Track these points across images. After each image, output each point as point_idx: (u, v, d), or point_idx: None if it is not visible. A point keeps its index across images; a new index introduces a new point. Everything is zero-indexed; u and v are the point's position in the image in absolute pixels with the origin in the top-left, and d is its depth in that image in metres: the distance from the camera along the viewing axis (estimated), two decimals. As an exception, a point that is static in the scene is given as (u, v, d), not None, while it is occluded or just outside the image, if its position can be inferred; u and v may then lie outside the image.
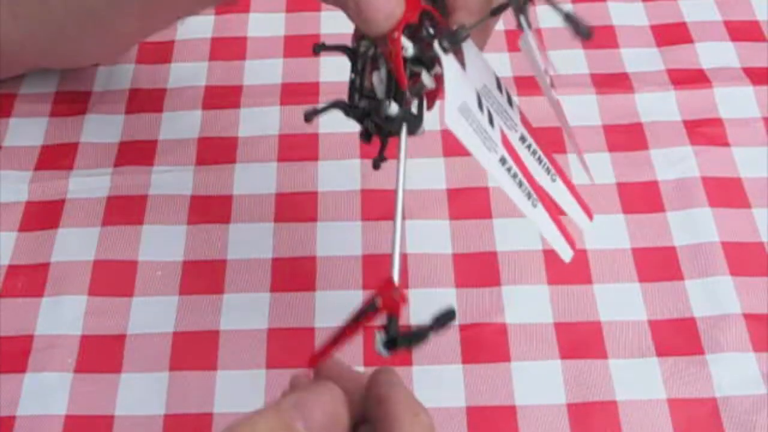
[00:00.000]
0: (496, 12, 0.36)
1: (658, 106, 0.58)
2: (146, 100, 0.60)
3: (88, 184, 0.55)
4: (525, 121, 0.39)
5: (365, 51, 0.38)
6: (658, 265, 0.51)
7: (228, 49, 0.63)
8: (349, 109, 0.38)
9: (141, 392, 0.47)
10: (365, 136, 0.38)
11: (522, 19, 0.35)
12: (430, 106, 0.38)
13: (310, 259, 0.52)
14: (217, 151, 0.57)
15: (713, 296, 0.50)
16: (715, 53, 0.61)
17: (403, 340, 0.32)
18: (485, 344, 0.48)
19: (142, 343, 0.49)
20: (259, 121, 0.58)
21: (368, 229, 0.53)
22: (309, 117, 0.38)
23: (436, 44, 0.35)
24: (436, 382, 0.47)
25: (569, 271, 0.51)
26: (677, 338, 0.48)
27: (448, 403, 0.46)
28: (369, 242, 0.52)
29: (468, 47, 0.37)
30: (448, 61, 0.35)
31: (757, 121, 0.58)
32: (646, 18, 0.64)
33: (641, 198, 0.54)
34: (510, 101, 0.39)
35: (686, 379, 0.47)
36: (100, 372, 0.48)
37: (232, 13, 0.65)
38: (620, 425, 0.45)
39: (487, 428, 0.46)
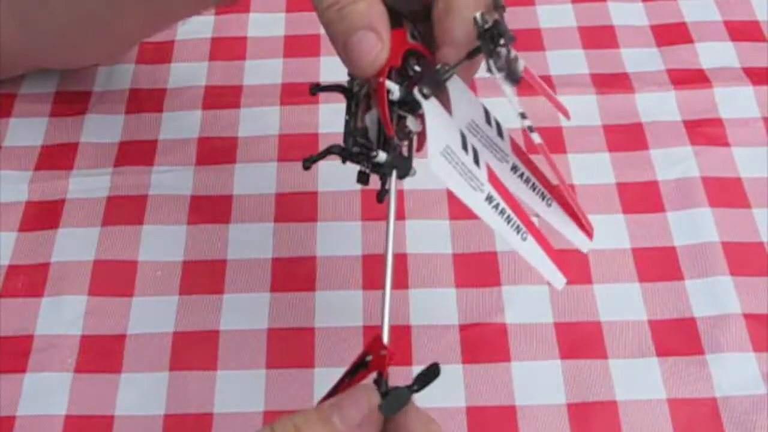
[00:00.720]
0: (471, 56, 0.36)
1: (658, 106, 0.58)
2: (146, 100, 0.60)
3: (88, 184, 0.55)
4: (516, 149, 0.39)
5: (359, 90, 0.39)
6: (658, 265, 0.51)
7: (228, 49, 0.63)
8: (343, 153, 0.38)
9: (141, 392, 0.47)
10: (362, 177, 0.39)
11: (491, 63, 0.35)
12: (419, 148, 0.39)
13: (310, 259, 0.52)
14: (217, 151, 0.57)
15: (713, 296, 0.49)
16: (715, 53, 0.61)
17: (389, 400, 0.33)
18: (485, 344, 0.48)
19: (142, 343, 0.49)
20: (259, 121, 0.58)
21: (368, 229, 0.53)
22: (307, 165, 0.38)
23: (416, 91, 0.35)
24: (436, 381, 0.47)
25: (569, 271, 0.50)
26: (677, 338, 0.48)
27: (448, 403, 0.46)
28: (369, 242, 0.52)
29: (454, 83, 0.37)
30: (428, 107, 0.35)
31: (757, 121, 0.58)
32: (646, 18, 0.64)
33: (641, 198, 0.54)
34: (500, 132, 0.39)
35: (686, 379, 0.47)
36: (100, 372, 0.48)
37: (232, 13, 0.65)
38: (620, 425, 0.45)
39: (487, 428, 0.46)
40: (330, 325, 0.49)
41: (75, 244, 0.53)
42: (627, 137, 0.57)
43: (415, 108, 0.36)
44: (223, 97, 0.60)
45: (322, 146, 0.57)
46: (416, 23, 0.40)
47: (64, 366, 0.48)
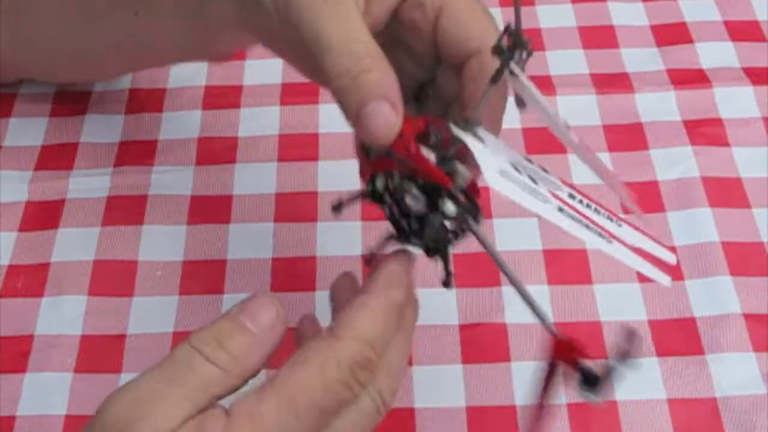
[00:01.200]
0: (495, 79, 0.35)
1: (658, 106, 0.58)
2: (146, 100, 0.60)
3: (88, 184, 0.55)
4: (566, 182, 0.38)
5: (384, 185, 0.38)
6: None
7: (228, 49, 0.63)
8: (402, 236, 0.37)
9: (141, 392, 0.47)
10: (429, 253, 0.38)
11: (513, 66, 0.34)
12: (477, 194, 0.37)
13: (310, 259, 0.52)
14: (217, 151, 0.57)
15: (713, 296, 0.49)
16: (715, 53, 0.61)
17: (601, 379, 0.32)
18: (485, 344, 0.48)
19: (142, 343, 0.49)
20: (259, 121, 0.58)
21: (368, 229, 0.53)
22: (370, 261, 0.38)
23: (453, 127, 0.35)
24: (436, 382, 0.47)
25: (569, 271, 0.50)
26: (677, 338, 0.48)
27: (448, 403, 0.46)
28: (369, 242, 0.52)
29: (486, 136, 0.36)
30: (472, 141, 0.35)
31: (757, 121, 0.57)
32: (646, 18, 0.64)
33: (641, 198, 0.54)
34: (544, 169, 0.38)
35: (686, 379, 0.47)
36: (100, 372, 0.48)
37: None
38: (620, 425, 0.45)
39: (487, 428, 0.46)
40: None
41: (75, 244, 0.53)
42: (627, 137, 0.57)
43: (451, 167, 0.36)
44: (223, 97, 0.60)
45: (323, 146, 0.57)
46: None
47: (64, 366, 0.48)
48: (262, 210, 0.54)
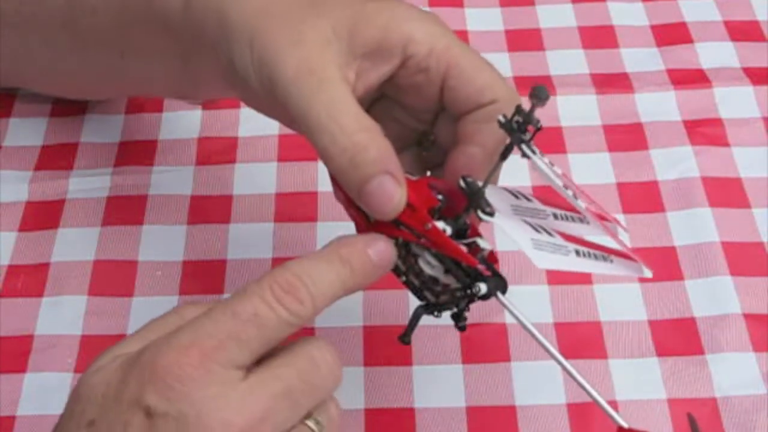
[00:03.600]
0: (505, 156, 0.35)
1: (658, 106, 0.58)
2: (146, 100, 0.60)
3: (88, 184, 0.55)
4: (544, 200, 0.39)
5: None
6: (658, 265, 0.51)
7: (228, 49, 0.63)
8: (433, 310, 0.37)
9: (141, 392, 0.47)
10: (463, 326, 0.39)
11: (524, 147, 0.34)
12: (496, 262, 0.38)
13: (310, 259, 0.52)
14: (217, 151, 0.57)
15: (713, 296, 0.49)
16: (715, 53, 0.61)
17: None
18: (485, 344, 0.48)
19: (142, 343, 0.49)
20: (259, 121, 0.58)
21: (368, 229, 0.53)
22: (407, 341, 0.38)
23: (480, 214, 0.35)
24: (436, 382, 0.47)
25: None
26: (677, 338, 0.48)
27: (448, 403, 0.46)
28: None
29: (490, 194, 0.36)
30: (499, 220, 0.35)
31: (757, 121, 0.57)
32: (646, 18, 0.64)
33: (641, 198, 0.54)
34: (528, 198, 0.38)
35: (686, 379, 0.47)
36: (100, 372, 0.48)
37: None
38: (620, 425, 0.45)
39: (487, 428, 0.46)
40: (330, 325, 0.49)
41: (75, 244, 0.53)
42: (627, 137, 0.57)
43: (465, 234, 0.36)
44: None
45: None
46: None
47: (64, 366, 0.48)
48: (262, 210, 0.54)
